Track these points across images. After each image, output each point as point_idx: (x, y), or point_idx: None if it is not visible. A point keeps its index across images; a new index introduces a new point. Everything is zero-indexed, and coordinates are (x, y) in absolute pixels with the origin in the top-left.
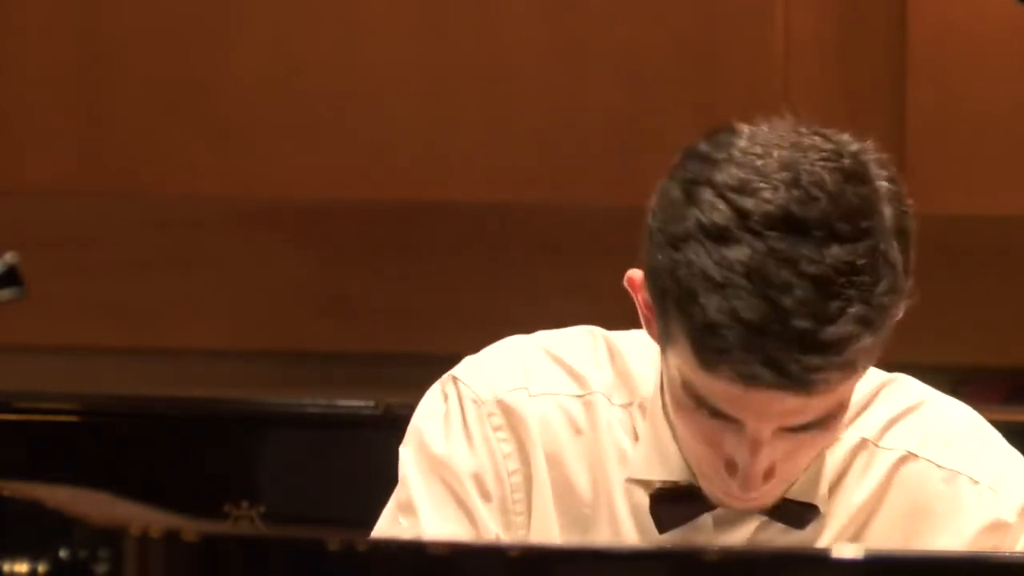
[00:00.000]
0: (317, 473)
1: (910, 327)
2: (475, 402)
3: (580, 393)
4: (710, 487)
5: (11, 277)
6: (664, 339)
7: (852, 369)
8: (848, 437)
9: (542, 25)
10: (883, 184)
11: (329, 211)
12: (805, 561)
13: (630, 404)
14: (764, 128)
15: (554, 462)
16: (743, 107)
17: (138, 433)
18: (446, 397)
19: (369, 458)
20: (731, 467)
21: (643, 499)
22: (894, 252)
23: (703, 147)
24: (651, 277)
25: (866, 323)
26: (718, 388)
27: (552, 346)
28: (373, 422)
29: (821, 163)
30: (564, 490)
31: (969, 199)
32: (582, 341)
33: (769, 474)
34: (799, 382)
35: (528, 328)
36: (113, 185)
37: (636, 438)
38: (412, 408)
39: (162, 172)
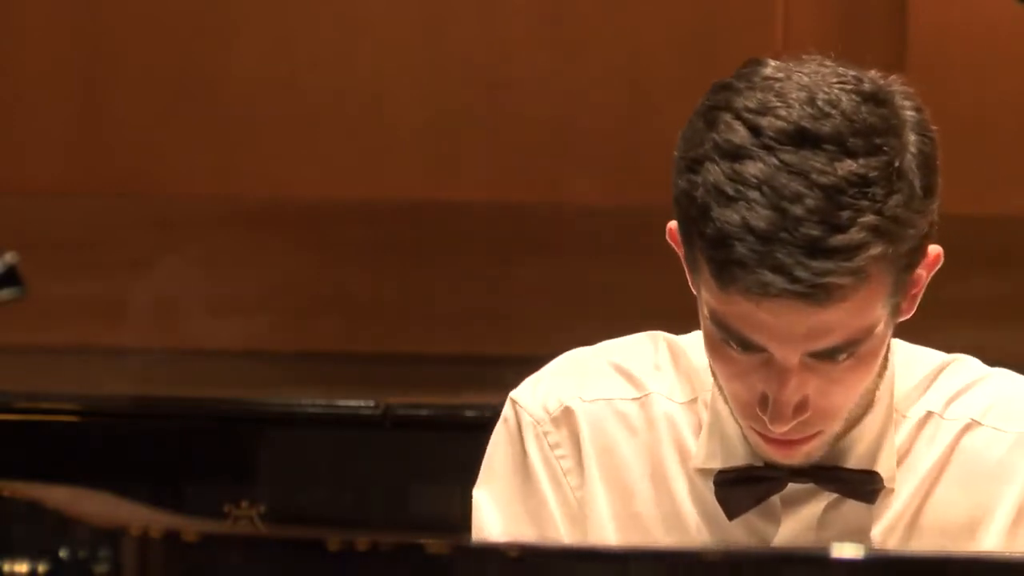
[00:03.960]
0: (317, 473)
1: (909, 326)
2: (531, 424)
3: (636, 395)
4: (753, 437)
5: (11, 277)
6: (694, 274)
7: (863, 277)
8: (914, 413)
9: (542, 24)
10: (908, 112)
11: (329, 211)
12: (805, 561)
13: (694, 400)
14: (791, 63)
15: (607, 467)
16: None
17: (138, 433)
18: (506, 421)
19: (369, 458)
20: (764, 403)
21: (709, 490)
22: (911, 171)
23: (728, 79)
24: (676, 208)
25: (877, 232)
26: (736, 308)
27: (611, 354)
28: (373, 422)
29: (839, 85)
30: (620, 494)
31: (969, 199)
32: (642, 346)
33: (801, 408)
34: (809, 288)
35: (528, 327)
36: (113, 185)
37: (699, 432)
38: (412, 408)
39: (162, 172)
